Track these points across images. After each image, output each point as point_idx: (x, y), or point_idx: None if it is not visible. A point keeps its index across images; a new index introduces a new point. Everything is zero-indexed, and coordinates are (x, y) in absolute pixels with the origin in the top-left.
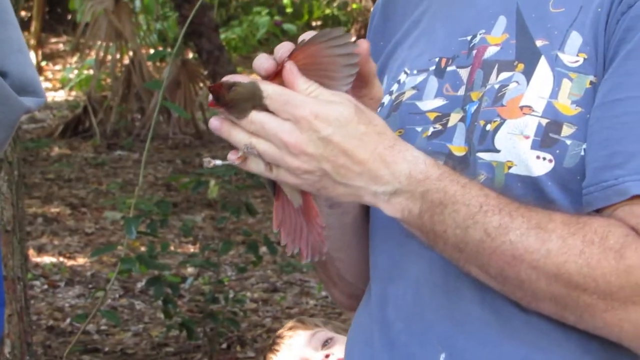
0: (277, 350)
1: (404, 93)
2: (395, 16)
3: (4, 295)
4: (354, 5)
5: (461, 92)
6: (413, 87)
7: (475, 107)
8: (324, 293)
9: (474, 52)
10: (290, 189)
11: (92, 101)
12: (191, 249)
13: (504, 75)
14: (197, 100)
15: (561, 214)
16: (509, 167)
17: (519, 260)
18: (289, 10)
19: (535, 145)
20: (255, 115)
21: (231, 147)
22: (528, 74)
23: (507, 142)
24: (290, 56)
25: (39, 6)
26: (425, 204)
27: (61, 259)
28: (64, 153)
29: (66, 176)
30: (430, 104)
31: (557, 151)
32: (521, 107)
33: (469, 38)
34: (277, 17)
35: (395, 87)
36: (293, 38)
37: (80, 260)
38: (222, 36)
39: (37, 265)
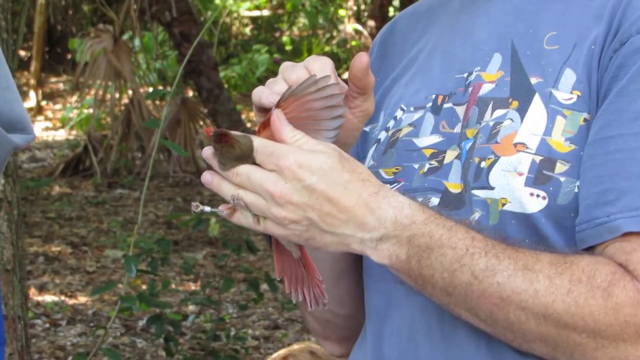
0: None
1: (400, 130)
2: (393, 54)
3: (4, 334)
4: (353, 43)
5: (457, 129)
6: (410, 124)
7: (470, 144)
8: None
9: (470, 89)
10: (286, 242)
11: (93, 140)
12: (192, 286)
13: (499, 112)
14: (197, 139)
15: (548, 254)
16: (503, 204)
17: (507, 301)
18: (288, 48)
19: (529, 183)
20: (241, 168)
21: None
22: (522, 111)
23: (501, 179)
24: (279, 105)
25: (39, 46)
26: (412, 249)
27: (62, 297)
28: (64, 192)
29: (67, 215)
30: (426, 140)
31: (551, 188)
32: (515, 145)
33: (465, 75)
34: (276, 55)
35: (391, 123)
36: None
37: (82, 299)
38: (222, 74)
39: (38, 304)
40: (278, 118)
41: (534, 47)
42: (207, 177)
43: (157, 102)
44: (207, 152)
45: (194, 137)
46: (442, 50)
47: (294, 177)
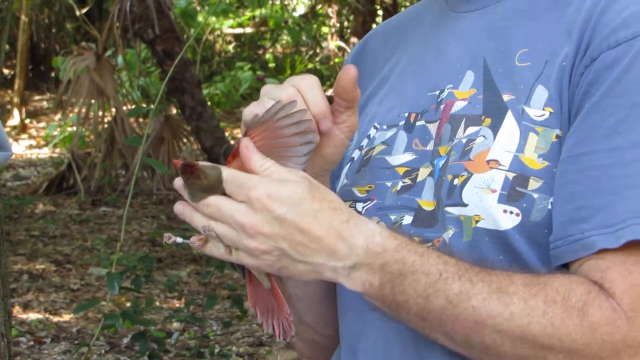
0: None
1: (373, 148)
2: (365, 72)
3: None
4: (337, 60)
5: (430, 146)
6: (383, 142)
7: (443, 161)
8: None
9: (442, 106)
10: (257, 272)
11: (76, 158)
12: (176, 304)
13: (471, 129)
14: (181, 156)
15: (521, 275)
16: (477, 221)
17: (482, 325)
18: (271, 65)
19: (502, 199)
20: (211, 199)
21: None
22: (495, 128)
23: (474, 196)
24: (247, 132)
25: (22, 64)
26: (385, 276)
27: (47, 315)
28: (48, 210)
29: (51, 233)
30: (399, 158)
31: (524, 205)
32: (488, 161)
33: (437, 93)
34: (259, 72)
35: (365, 142)
36: None
37: (66, 317)
38: (205, 92)
39: (22, 322)
40: (246, 147)
41: (506, 64)
42: (178, 207)
43: (141, 120)
44: (178, 183)
45: (178, 154)
46: (414, 68)
47: (264, 208)
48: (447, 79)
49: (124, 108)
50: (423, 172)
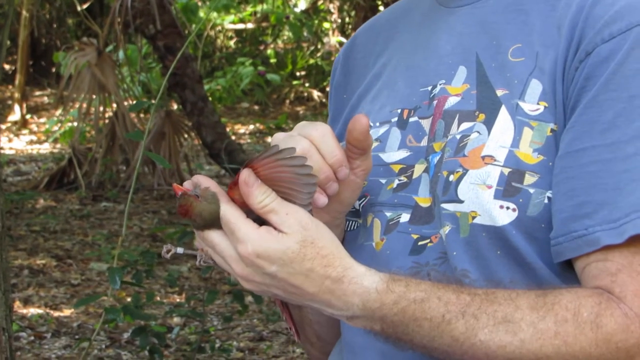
0: None
1: None
2: (357, 69)
3: None
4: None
5: (424, 142)
6: (376, 139)
7: (438, 157)
8: None
9: (435, 102)
10: None
11: (77, 153)
12: (177, 299)
13: (465, 125)
14: (182, 151)
15: (526, 296)
16: (473, 217)
17: (493, 356)
18: (272, 60)
19: (498, 195)
20: (208, 234)
21: None
22: (489, 123)
23: (470, 192)
24: (249, 164)
25: (23, 60)
26: (386, 325)
27: (47, 310)
28: (49, 205)
29: (52, 228)
30: (394, 155)
31: (520, 200)
32: (483, 157)
33: (429, 88)
34: (261, 68)
35: None
36: (277, 88)
37: (67, 312)
38: (206, 87)
39: (23, 317)
40: (245, 182)
41: (499, 60)
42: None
43: (142, 115)
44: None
45: (179, 150)
46: (405, 64)
47: (253, 264)
48: (438, 75)
49: (125, 103)
50: (418, 169)
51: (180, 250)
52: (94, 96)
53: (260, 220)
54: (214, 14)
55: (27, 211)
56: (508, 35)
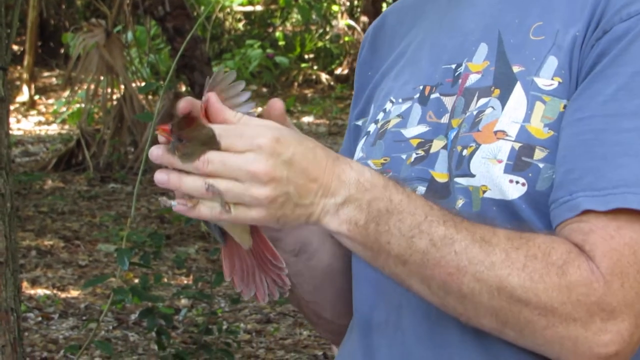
0: None
1: (389, 121)
2: (382, 48)
3: None
4: (346, 38)
5: (445, 119)
6: (398, 115)
7: (454, 133)
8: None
9: (460, 80)
10: (240, 232)
11: (85, 134)
12: (184, 280)
13: (482, 101)
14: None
15: (504, 229)
16: (484, 192)
17: (463, 272)
18: (281, 43)
19: (508, 169)
20: (213, 154)
21: None
22: (503, 99)
23: (482, 166)
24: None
25: (32, 40)
26: (371, 213)
27: (55, 291)
28: (57, 186)
29: (59, 209)
30: (413, 130)
31: (530, 174)
32: (495, 132)
33: (453, 66)
34: (269, 50)
35: (380, 115)
36: (285, 71)
37: (74, 293)
38: (215, 69)
39: (31, 297)
40: (215, 101)
41: (519, 37)
42: (161, 176)
43: (150, 97)
44: (158, 151)
45: None
46: (430, 43)
47: (274, 152)
48: (462, 53)
49: (133, 85)
50: (437, 144)
51: (174, 202)
52: (102, 77)
53: None
54: None
55: (35, 192)
56: (530, 13)
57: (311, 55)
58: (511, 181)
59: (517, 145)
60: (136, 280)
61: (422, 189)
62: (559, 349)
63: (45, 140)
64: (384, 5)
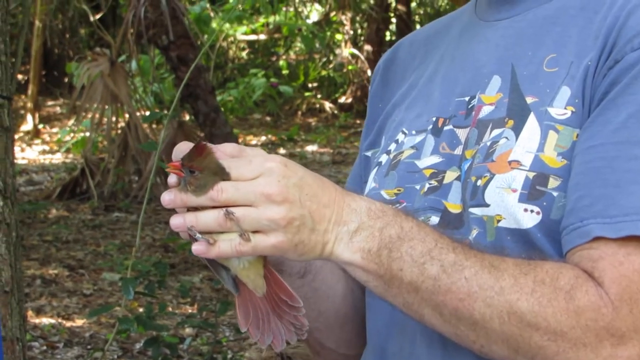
0: None
1: (402, 152)
2: (394, 80)
3: (2, 356)
4: (350, 67)
5: (458, 151)
6: (412, 147)
7: (468, 164)
8: None
9: (473, 112)
10: (254, 276)
11: (90, 163)
12: (189, 309)
13: (496, 132)
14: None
15: (513, 257)
16: (498, 221)
17: (474, 297)
18: (285, 72)
19: (523, 199)
20: (225, 183)
21: None
22: (517, 129)
23: (496, 196)
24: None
25: (36, 69)
26: (383, 240)
27: (60, 320)
28: (61, 215)
29: (64, 238)
30: (426, 161)
31: (544, 203)
32: (510, 162)
33: (466, 99)
34: (273, 79)
35: (392, 146)
36: (289, 100)
37: (79, 322)
38: (219, 98)
39: (35, 326)
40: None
41: (532, 69)
42: (177, 220)
43: (154, 126)
44: (170, 195)
45: None
46: (442, 76)
47: (284, 175)
48: (475, 85)
49: (137, 114)
50: (450, 175)
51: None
52: (106, 106)
53: None
54: (227, 25)
55: (39, 221)
56: (544, 46)
57: (315, 84)
58: (526, 210)
59: (531, 175)
60: (141, 310)
61: (435, 219)
62: None
63: (50, 169)
64: (387, 34)
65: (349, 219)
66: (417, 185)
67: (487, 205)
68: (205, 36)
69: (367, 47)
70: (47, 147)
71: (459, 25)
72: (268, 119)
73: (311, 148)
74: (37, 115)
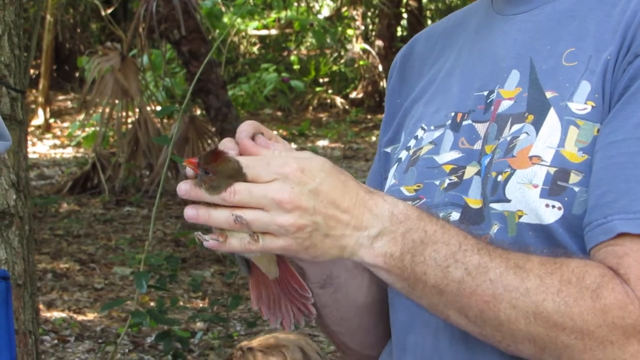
0: None
1: (421, 148)
2: (412, 75)
3: (15, 349)
4: (361, 62)
5: (477, 146)
6: (430, 142)
7: (488, 159)
8: (332, 347)
9: (492, 107)
10: (267, 262)
11: (101, 158)
12: (200, 304)
13: (516, 127)
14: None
15: (538, 256)
16: (519, 217)
17: (499, 299)
18: (296, 67)
19: (544, 194)
20: (239, 185)
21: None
22: (537, 124)
23: (517, 191)
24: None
25: (47, 64)
26: (406, 245)
27: (71, 314)
28: (72, 209)
29: (75, 232)
30: (446, 157)
31: (566, 199)
32: (530, 157)
33: (485, 93)
34: (284, 74)
35: (412, 142)
36: (300, 95)
37: (90, 316)
38: (230, 93)
39: (47, 320)
40: (248, 140)
41: (551, 63)
42: (191, 212)
43: (165, 121)
44: (186, 186)
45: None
46: (460, 70)
47: (300, 181)
48: (494, 80)
49: (148, 109)
50: (470, 171)
51: (207, 238)
52: (117, 101)
53: None
54: (238, 20)
55: (50, 215)
56: (562, 40)
57: (326, 79)
58: (547, 205)
59: (552, 170)
60: (152, 304)
61: (456, 214)
62: None
63: (61, 164)
64: (399, 29)
65: (370, 224)
66: (436, 181)
67: (508, 201)
68: (217, 31)
69: (379, 43)
70: (58, 142)
71: (475, 19)
72: (279, 114)
73: (322, 143)
74: (48, 109)
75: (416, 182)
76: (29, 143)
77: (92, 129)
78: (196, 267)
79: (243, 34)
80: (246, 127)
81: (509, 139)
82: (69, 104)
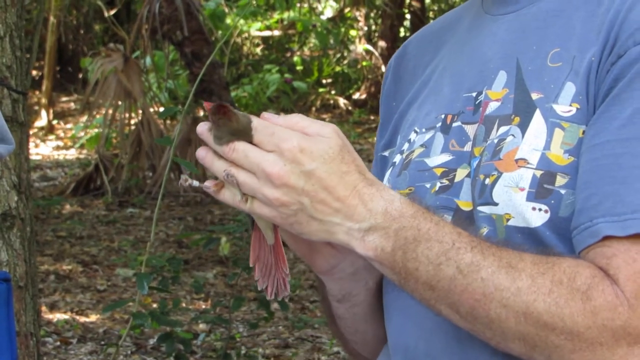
0: None
1: (413, 151)
2: (406, 77)
3: (16, 351)
4: (364, 63)
5: (467, 147)
6: (421, 145)
7: (477, 162)
8: (335, 349)
9: (481, 108)
10: (264, 226)
11: (103, 159)
12: (203, 305)
13: (503, 129)
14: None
15: (531, 254)
16: (507, 220)
17: (490, 298)
18: (299, 67)
19: (531, 197)
20: (239, 144)
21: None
22: (523, 126)
23: (504, 195)
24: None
25: (50, 65)
26: (398, 242)
27: (73, 315)
28: (75, 211)
29: (78, 234)
30: (437, 159)
31: (552, 201)
32: (516, 160)
33: (474, 94)
34: (287, 75)
35: (406, 146)
36: (303, 95)
37: (92, 317)
38: (233, 94)
39: (49, 322)
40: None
41: (537, 63)
42: (201, 152)
43: (168, 122)
44: (202, 127)
45: None
46: (451, 71)
47: (294, 160)
48: (481, 81)
49: (151, 110)
50: (461, 173)
51: (195, 183)
52: (120, 102)
53: None
54: (241, 21)
55: (53, 217)
56: (548, 40)
57: (329, 80)
58: (534, 209)
59: (538, 173)
60: (154, 305)
61: (448, 217)
62: None
63: (64, 165)
64: (402, 29)
65: (362, 218)
66: (427, 184)
67: (496, 204)
68: (220, 32)
69: (382, 43)
70: (61, 143)
71: (467, 20)
72: (282, 114)
73: None
74: (51, 111)
75: (408, 186)
76: (32, 144)
77: (95, 130)
78: (199, 269)
79: (246, 35)
80: None
81: (495, 141)
82: (72, 105)
